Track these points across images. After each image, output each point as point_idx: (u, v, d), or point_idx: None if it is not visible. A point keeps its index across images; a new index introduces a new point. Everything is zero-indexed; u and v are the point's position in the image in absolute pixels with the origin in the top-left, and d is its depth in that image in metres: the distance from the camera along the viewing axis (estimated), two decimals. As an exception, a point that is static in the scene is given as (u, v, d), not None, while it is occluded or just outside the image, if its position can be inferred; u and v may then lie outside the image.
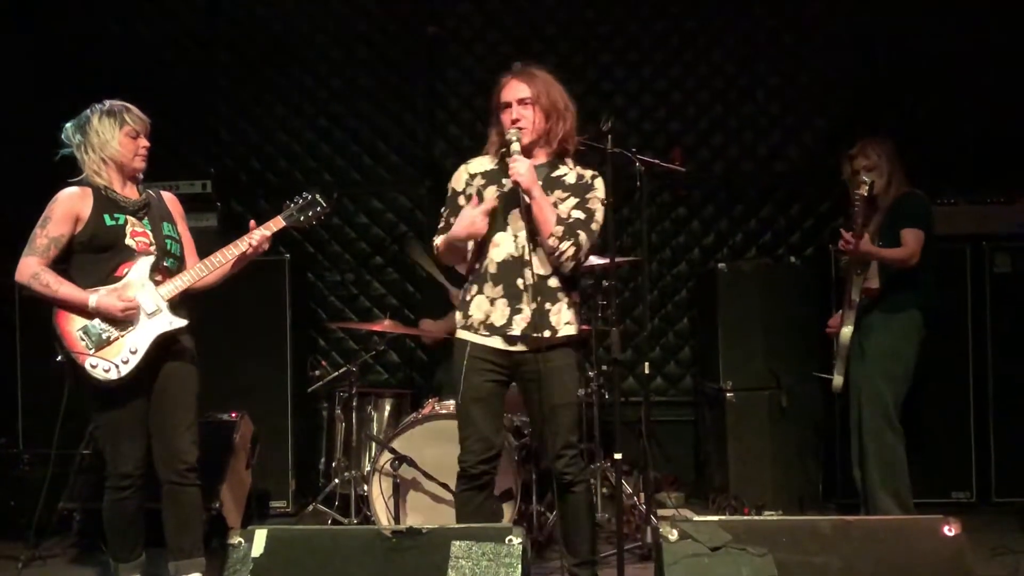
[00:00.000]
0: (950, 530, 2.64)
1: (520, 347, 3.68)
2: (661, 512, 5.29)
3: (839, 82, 6.56)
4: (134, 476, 3.86)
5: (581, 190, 3.74)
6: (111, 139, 3.85)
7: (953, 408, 5.59)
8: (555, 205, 3.67)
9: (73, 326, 3.74)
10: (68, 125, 3.92)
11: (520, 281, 3.64)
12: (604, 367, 5.22)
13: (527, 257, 3.60)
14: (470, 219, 3.62)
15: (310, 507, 5.38)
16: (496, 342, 3.69)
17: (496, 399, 3.73)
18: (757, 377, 5.60)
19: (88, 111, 3.91)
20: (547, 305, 3.65)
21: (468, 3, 6.69)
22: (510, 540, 2.68)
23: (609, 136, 3.86)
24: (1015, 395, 5.62)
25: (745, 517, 2.50)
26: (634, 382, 6.42)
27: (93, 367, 3.71)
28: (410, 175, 6.69)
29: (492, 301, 3.68)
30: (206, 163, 6.38)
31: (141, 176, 4.00)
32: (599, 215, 3.74)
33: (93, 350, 3.72)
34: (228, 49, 6.70)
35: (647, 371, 4.70)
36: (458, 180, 3.83)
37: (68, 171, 3.93)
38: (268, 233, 3.99)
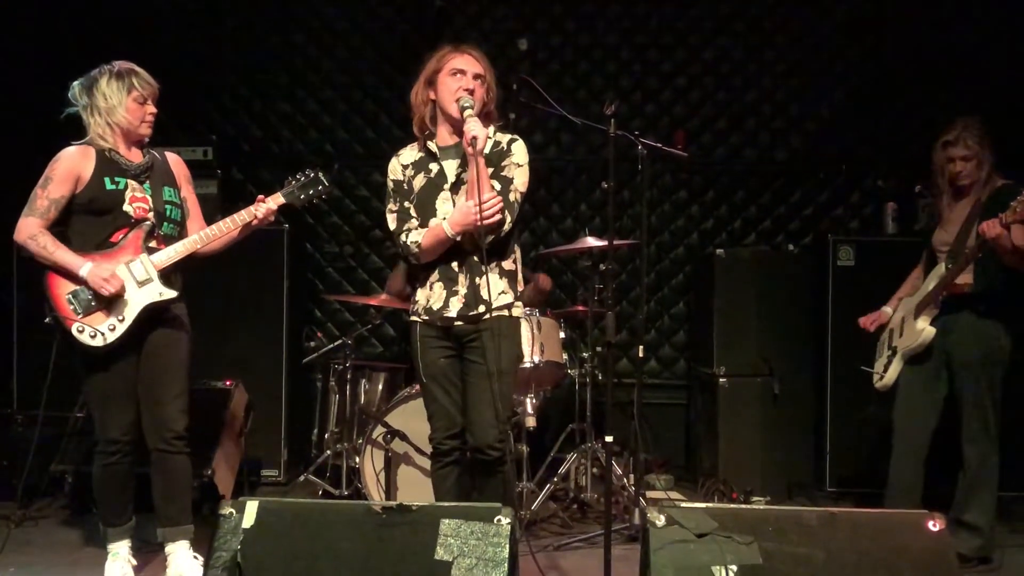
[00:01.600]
0: (934, 525, 2.66)
1: (459, 323, 3.69)
2: (650, 494, 5.33)
3: (844, 71, 6.56)
4: (122, 442, 3.87)
5: (497, 158, 3.72)
6: (118, 104, 3.82)
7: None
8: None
9: (63, 290, 3.74)
10: (75, 84, 3.87)
11: (454, 263, 3.68)
12: (598, 349, 5.25)
13: (456, 238, 3.63)
14: (467, 210, 3.55)
15: (301, 477, 5.41)
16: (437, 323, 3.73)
17: (454, 374, 3.75)
18: (750, 363, 5.65)
19: (96, 72, 3.85)
20: (477, 280, 3.67)
21: (476, -23, 6.67)
22: (499, 520, 2.70)
23: (612, 119, 3.85)
24: (1006, 393, 5.63)
25: (732, 505, 2.53)
26: (628, 364, 6.45)
27: (80, 332, 3.72)
28: (412, 149, 6.68)
29: (431, 286, 3.72)
30: (208, 130, 6.37)
31: (147, 140, 3.99)
32: (519, 181, 3.71)
33: (81, 315, 3.72)
34: (233, 15, 6.66)
35: (641, 354, 4.71)
36: (395, 171, 3.84)
37: (73, 129, 3.90)
38: (274, 207, 3.97)
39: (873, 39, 6.48)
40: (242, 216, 3.93)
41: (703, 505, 2.72)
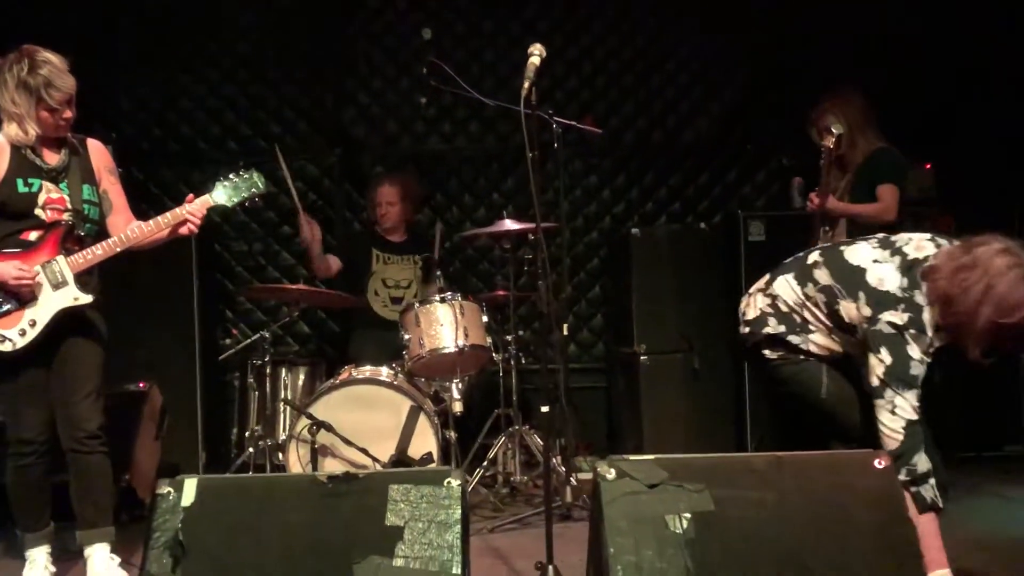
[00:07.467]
0: (880, 463, 2.70)
1: None
2: (580, 475, 5.32)
3: (747, 55, 6.67)
4: (36, 443, 3.70)
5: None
6: (26, 115, 3.60)
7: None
8: None
9: (-28, 294, 3.57)
10: None
11: None
12: (520, 333, 5.25)
13: None
14: None
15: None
16: None
17: None
18: (670, 340, 5.70)
19: (5, 65, 3.60)
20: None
21: (378, -30, 6.61)
22: (448, 482, 2.65)
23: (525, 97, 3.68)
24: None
25: (681, 456, 2.53)
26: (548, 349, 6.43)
27: None
28: (319, 143, 6.59)
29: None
30: (106, 130, 6.14)
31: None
32: None
33: None
34: (129, 12, 6.44)
35: (566, 332, 4.72)
36: None
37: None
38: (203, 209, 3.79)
39: (773, 20, 6.58)
40: (167, 218, 3.76)
41: (652, 457, 2.72)
